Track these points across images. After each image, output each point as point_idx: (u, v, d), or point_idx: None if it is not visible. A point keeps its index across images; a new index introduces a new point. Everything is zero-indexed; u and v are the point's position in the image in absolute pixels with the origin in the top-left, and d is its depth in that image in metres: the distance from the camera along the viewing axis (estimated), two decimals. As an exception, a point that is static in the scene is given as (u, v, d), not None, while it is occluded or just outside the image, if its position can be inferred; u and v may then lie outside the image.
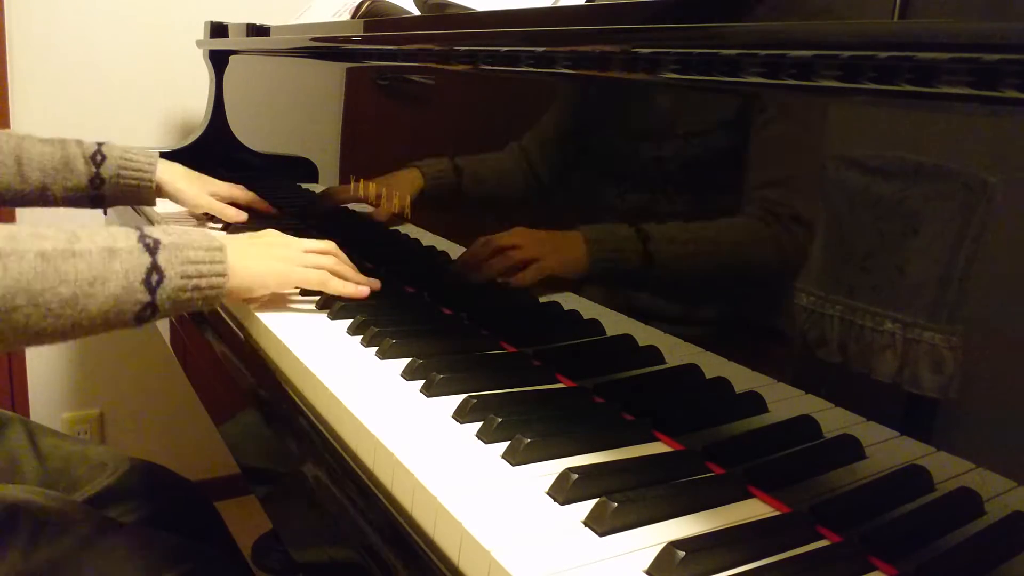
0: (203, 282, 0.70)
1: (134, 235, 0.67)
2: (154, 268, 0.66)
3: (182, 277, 0.68)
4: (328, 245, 0.85)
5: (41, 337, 0.62)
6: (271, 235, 0.84)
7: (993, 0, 0.38)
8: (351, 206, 1.06)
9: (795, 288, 0.51)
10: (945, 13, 0.40)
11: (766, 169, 0.54)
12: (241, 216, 1.14)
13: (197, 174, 1.17)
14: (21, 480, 0.91)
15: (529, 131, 0.75)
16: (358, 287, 0.82)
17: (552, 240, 0.73)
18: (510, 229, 0.77)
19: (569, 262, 0.70)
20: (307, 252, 0.82)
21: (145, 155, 1.11)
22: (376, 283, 0.86)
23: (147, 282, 0.66)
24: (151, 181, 1.10)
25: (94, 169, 1.06)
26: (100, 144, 1.08)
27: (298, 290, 0.87)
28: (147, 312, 0.67)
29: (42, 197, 1.05)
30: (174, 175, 1.13)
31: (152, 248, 0.67)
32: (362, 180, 1.01)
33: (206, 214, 1.17)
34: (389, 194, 0.95)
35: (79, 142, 1.07)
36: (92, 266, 0.63)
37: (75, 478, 0.94)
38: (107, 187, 1.07)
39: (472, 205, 0.85)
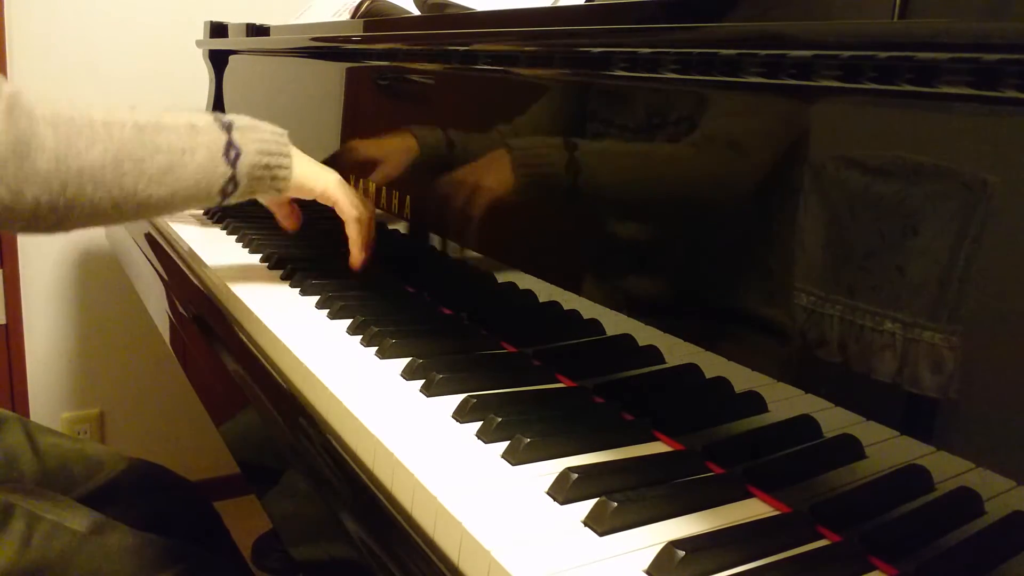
0: (273, 161, 0.77)
1: (210, 116, 0.74)
2: (231, 144, 0.73)
3: (257, 153, 0.75)
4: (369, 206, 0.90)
5: (146, 205, 0.69)
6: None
7: (993, 0, 0.38)
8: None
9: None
10: (945, 13, 0.40)
11: (738, 139, 0.55)
12: None
13: None
14: (18, 478, 0.91)
15: (527, 131, 0.75)
16: (360, 255, 0.87)
17: (483, 163, 0.78)
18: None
19: (499, 175, 0.75)
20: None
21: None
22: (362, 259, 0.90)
23: (227, 155, 0.72)
24: None
25: None
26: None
27: (298, 289, 0.87)
28: (231, 187, 0.74)
29: None
30: None
31: (227, 127, 0.74)
32: (362, 180, 1.01)
33: None
34: (389, 191, 0.95)
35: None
36: (181, 138, 0.70)
37: (72, 476, 0.94)
38: None
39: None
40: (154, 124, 0.68)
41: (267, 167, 0.76)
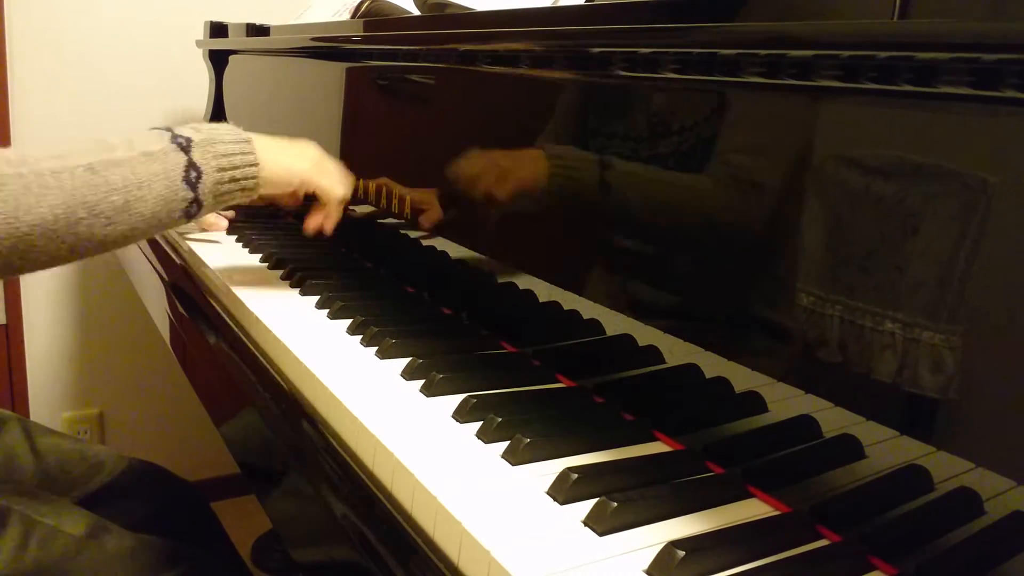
0: (238, 173, 0.74)
1: (167, 136, 0.71)
2: (191, 165, 0.70)
3: (218, 170, 0.72)
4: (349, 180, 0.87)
5: (105, 244, 0.68)
6: (305, 142, 0.86)
7: (993, 0, 0.38)
8: (350, 206, 1.06)
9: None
10: (945, 13, 0.40)
11: (737, 139, 0.56)
12: (220, 224, 1.10)
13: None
14: (18, 479, 0.91)
15: (543, 133, 0.75)
16: (329, 228, 0.85)
17: (513, 157, 0.77)
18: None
19: (529, 176, 0.74)
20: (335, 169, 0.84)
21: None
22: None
23: (187, 179, 0.70)
24: None
25: None
26: None
27: (298, 290, 0.87)
28: (194, 208, 0.72)
29: None
30: None
31: (185, 146, 0.71)
32: (362, 180, 1.01)
33: None
34: (390, 193, 0.95)
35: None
36: (136, 171, 0.67)
37: (72, 477, 0.94)
38: None
39: (483, 204, 0.85)
40: (106, 161, 0.66)
41: (233, 180, 0.74)
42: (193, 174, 0.70)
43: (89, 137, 0.69)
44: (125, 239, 0.69)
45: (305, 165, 0.81)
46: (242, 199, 0.76)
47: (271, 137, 0.81)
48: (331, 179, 0.83)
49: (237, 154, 0.74)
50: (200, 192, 0.71)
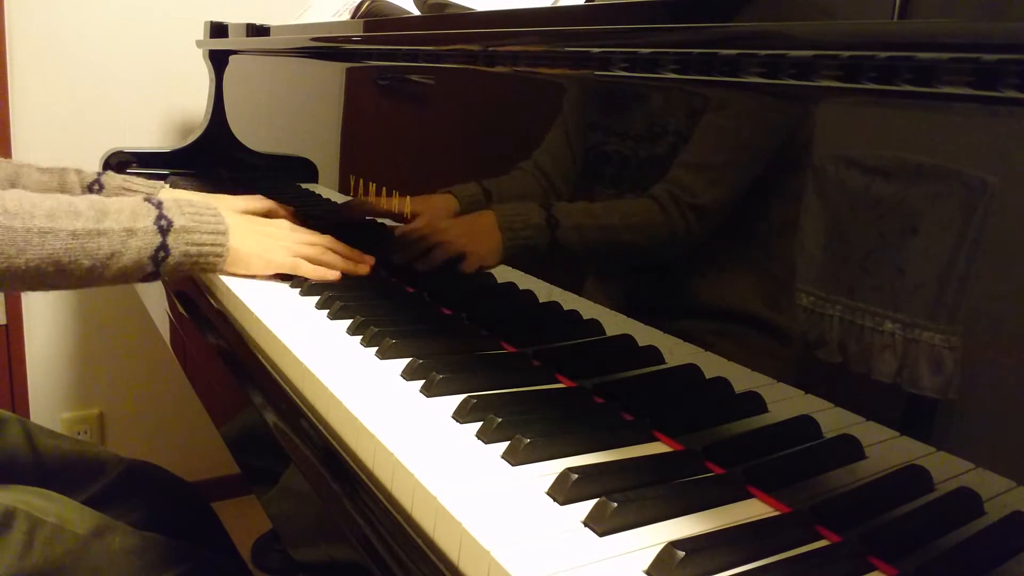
0: (201, 259, 0.84)
1: (153, 215, 0.80)
2: (162, 247, 0.80)
3: (183, 255, 0.82)
4: (321, 239, 0.93)
5: (61, 288, 0.77)
6: (276, 226, 0.93)
7: (993, 0, 0.38)
8: (350, 206, 1.06)
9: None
10: (945, 13, 0.40)
11: (735, 139, 0.56)
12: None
13: (210, 197, 1.09)
14: (19, 480, 0.90)
15: (543, 136, 0.75)
16: (326, 272, 0.89)
17: (470, 228, 0.82)
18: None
19: (490, 249, 0.79)
20: (300, 243, 0.91)
21: (147, 184, 1.09)
22: (345, 268, 0.92)
23: (154, 258, 0.80)
24: None
25: None
26: (100, 174, 1.08)
27: (298, 290, 0.87)
28: (150, 278, 0.81)
29: None
30: None
31: (165, 229, 0.80)
32: (362, 180, 1.01)
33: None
34: (390, 194, 0.95)
35: (79, 171, 1.07)
36: (113, 243, 0.76)
37: (73, 478, 0.94)
38: None
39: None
40: (91, 231, 0.75)
41: (195, 263, 0.83)
42: (161, 254, 0.80)
43: (90, 199, 0.78)
44: (79, 287, 0.78)
45: (272, 257, 0.89)
46: (199, 275, 0.88)
47: (252, 228, 0.89)
48: (287, 260, 0.89)
49: (208, 244, 0.84)
50: (161, 268, 0.81)
